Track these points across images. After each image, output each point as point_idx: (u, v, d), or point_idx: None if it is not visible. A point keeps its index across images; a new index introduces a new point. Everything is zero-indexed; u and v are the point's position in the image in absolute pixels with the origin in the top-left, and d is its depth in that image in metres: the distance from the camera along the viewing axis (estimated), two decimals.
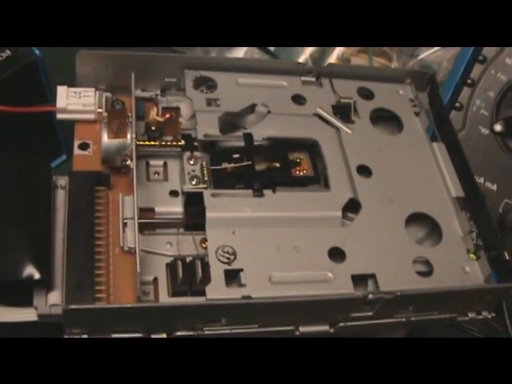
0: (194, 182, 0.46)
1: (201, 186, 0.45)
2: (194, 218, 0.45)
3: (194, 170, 0.46)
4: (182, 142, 0.48)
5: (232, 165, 0.47)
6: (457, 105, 0.62)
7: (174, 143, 0.47)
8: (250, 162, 0.47)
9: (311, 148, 0.50)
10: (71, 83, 0.50)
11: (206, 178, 0.46)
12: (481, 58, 0.62)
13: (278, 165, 0.48)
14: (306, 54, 0.71)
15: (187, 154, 0.47)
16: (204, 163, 0.47)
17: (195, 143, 0.47)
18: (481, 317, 0.48)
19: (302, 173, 0.48)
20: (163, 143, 0.47)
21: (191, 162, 0.47)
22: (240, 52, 0.71)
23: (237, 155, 0.47)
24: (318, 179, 0.49)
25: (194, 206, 0.45)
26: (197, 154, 0.47)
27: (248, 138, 0.49)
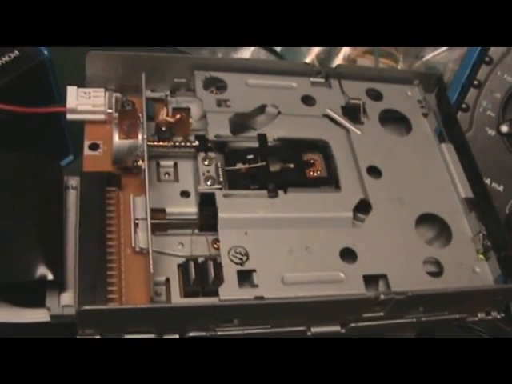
0: (209, 183, 0.46)
1: (216, 186, 0.46)
2: (209, 218, 0.45)
3: (208, 171, 0.46)
4: (196, 143, 0.48)
5: (246, 165, 0.47)
6: (463, 106, 0.62)
7: (188, 144, 0.47)
8: (264, 163, 0.47)
9: (323, 149, 0.50)
10: (79, 83, 0.50)
11: (221, 179, 0.46)
12: (487, 59, 0.62)
13: (292, 166, 0.48)
14: (312, 55, 0.71)
15: (202, 154, 0.47)
16: (219, 164, 0.47)
17: (209, 144, 0.47)
18: (490, 317, 0.48)
19: (315, 173, 0.49)
20: (177, 144, 0.47)
21: (206, 163, 0.47)
22: (246, 53, 0.71)
23: (251, 156, 0.47)
24: (332, 180, 0.49)
25: (209, 206, 0.45)
26: (211, 154, 0.47)
27: (262, 138, 0.49)
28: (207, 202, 0.45)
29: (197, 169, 0.47)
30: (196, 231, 0.45)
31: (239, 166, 0.47)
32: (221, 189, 0.45)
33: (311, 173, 0.49)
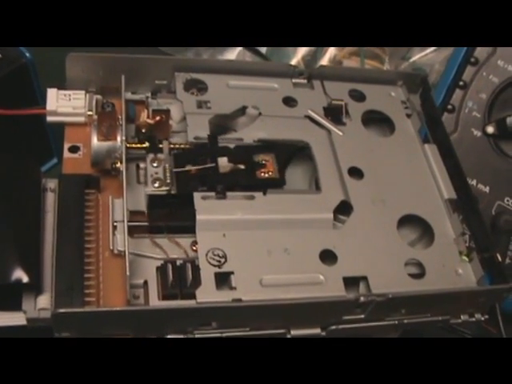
0: (156, 185, 0.45)
1: (163, 188, 0.45)
2: (157, 220, 0.45)
3: (156, 173, 0.46)
4: (146, 144, 0.47)
5: (196, 167, 0.46)
6: (449, 107, 0.62)
7: (139, 145, 0.47)
8: (213, 164, 0.47)
9: (278, 149, 0.49)
10: (62, 86, 0.49)
11: (168, 181, 0.45)
12: (473, 60, 0.62)
13: (242, 167, 0.47)
14: (297, 56, 0.71)
15: (151, 156, 0.46)
16: (167, 165, 0.46)
17: (160, 145, 0.47)
18: (474, 319, 0.47)
19: (266, 175, 0.48)
20: (127, 145, 0.46)
21: (154, 165, 0.46)
22: (231, 55, 0.71)
23: (200, 157, 0.47)
24: (282, 181, 0.48)
25: (158, 208, 0.45)
26: (160, 156, 0.46)
27: (212, 139, 0.48)
28: (155, 205, 0.45)
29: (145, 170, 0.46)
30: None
31: (189, 167, 0.46)
32: (169, 191, 0.45)
33: (262, 174, 0.48)
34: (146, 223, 0.45)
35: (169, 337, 0.41)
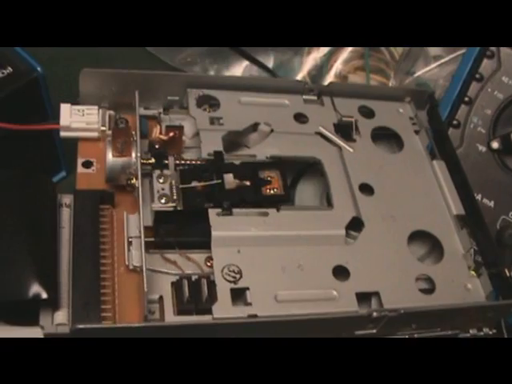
0: (163, 201, 0.45)
1: (170, 204, 0.45)
2: (164, 236, 0.45)
3: (163, 189, 0.46)
4: (152, 160, 0.47)
5: (202, 183, 0.47)
6: (454, 122, 0.62)
7: (144, 161, 0.47)
8: (219, 181, 0.47)
9: (284, 166, 0.50)
10: (72, 101, 0.50)
11: (174, 197, 0.46)
12: (477, 76, 0.62)
13: (248, 183, 0.48)
14: (303, 71, 0.71)
15: (157, 172, 0.47)
16: (173, 182, 0.46)
17: (166, 161, 0.47)
18: (482, 333, 0.48)
19: (272, 191, 0.48)
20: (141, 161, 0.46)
21: (161, 181, 0.46)
22: (238, 70, 0.72)
23: (207, 174, 0.47)
24: (288, 198, 0.49)
25: (164, 224, 0.45)
26: (166, 172, 0.47)
27: (218, 156, 0.49)
28: (162, 220, 0.45)
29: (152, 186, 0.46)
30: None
31: (195, 183, 0.47)
32: (175, 207, 0.45)
33: (267, 190, 0.48)
34: (157, 239, 0.45)
35: None
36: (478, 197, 0.61)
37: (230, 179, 0.47)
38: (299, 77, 0.70)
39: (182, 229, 0.46)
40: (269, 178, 0.49)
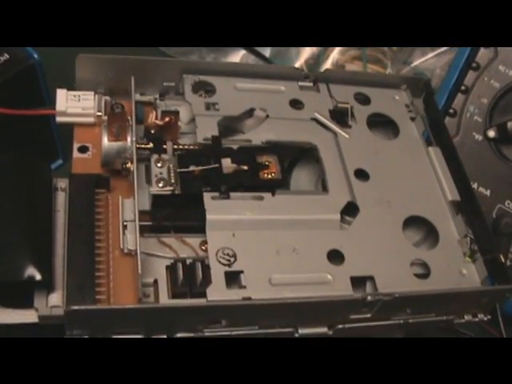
0: (160, 185, 0.45)
1: (168, 188, 0.45)
2: (161, 220, 0.45)
3: (161, 173, 0.46)
4: (151, 145, 0.47)
5: (199, 168, 0.47)
6: (451, 111, 0.62)
7: (143, 146, 0.47)
8: (217, 165, 0.47)
9: (282, 151, 0.50)
10: (69, 87, 0.50)
11: (172, 181, 0.46)
12: (474, 64, 0.63)
13: (245, 168, 0.48)
14: (300, 60, 0.71)
15: (155, 156, 0.47)
16: (171, 166, 0.46)
17: (164, 146, 0.47)
18: (477, 319, 0.48)
19: (269, 176, 0.48)
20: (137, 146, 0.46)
21: (159, 165, 0.46)
22: (235, 58, 0.72)
23: (204, 158, 0.47)
24: (286, 182, 0.49)
25: (162, 208, 0.45)
26: (164, 156, 0.47)
27: (215, 140, 0.49)
28: (159, 204, 0.45)
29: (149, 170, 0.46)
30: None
31: (192, 167, 0.47)
32: (173, 191, 0.45)
33: (265, 175, 0.48)
34: (154, 223, 0.45)
35: (178, 335, 0.41)
36: (475, 185, 0.61)
37: (227, 163, 0.47)
38: (296, 65, 0.70)
39: (178, 213, 0.46)
40: (266, 163, 0.49)
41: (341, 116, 0.53)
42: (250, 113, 0.51)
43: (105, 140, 0.46)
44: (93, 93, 0.50)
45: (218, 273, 0.42)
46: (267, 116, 0.51)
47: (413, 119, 0.55)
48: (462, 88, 0.63)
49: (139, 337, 0.40)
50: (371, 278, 0.45)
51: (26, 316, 0.40)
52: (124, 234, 0.44)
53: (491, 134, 0.62)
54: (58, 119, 0.49)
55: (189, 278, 0.43)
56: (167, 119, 0.48)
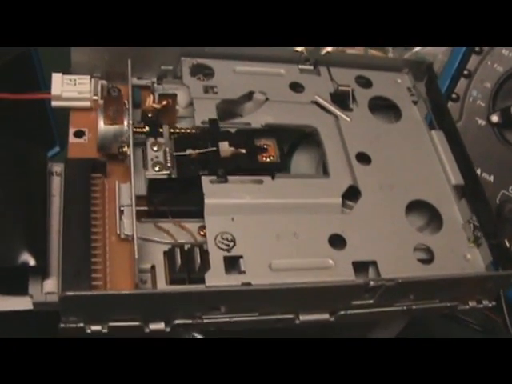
0: (156, 169, 0.44)
1: (164, 172, 0.44)
2: (158, 205, 0.44)
3: (157, 157, 0.45)
4: (146, 129, 0.46)
5: (196, 151, 0.46)
6: (453, 96, 0.61)
7: (138, 129, 0.46)
8: (214, 148, 0.46)
9: (280, 134, 0.49)
10: (65, 71, 0.49)
11: (168, 164, 0.45)
12: (477, 48, 0.62)
13: (243, 151, 0.47)
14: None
15: (151, 140, 0.46)
16: (167, 149, 0.45)
17: (160, 129, 0.46)
18: (481, 305, 0.47)
19: (268, 159, 0.47)
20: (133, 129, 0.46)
21: (155, 149, 0.45)
22: None
23: (201, 141, 0.46)
24: (285, 166, 0.48)
25: (158, 192, 0.44)
26: (161, 140, 0.46)
27: (213, 123, 0.48)
28: (155, 189, 0.44)
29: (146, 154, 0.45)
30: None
31: (189, 151, 0.46)
32: (169, 175, 0.44)
33: (263, 158, 0.47)
34: (151, 208, 0.44)
35: (177, 322, 0.40)
36: (478, 171, 0.60)
37: (225, 147, 0.46)
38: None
39: (175, 197, 0.45)
40: (265, 146, 0.48)
41: (342, 99, 0.52)
42: (249, 96, 0.50)
43: (101, 123, 0.45)
44: (89, 77, 0.49)
45: (216, 258, 0.41)
46: (267, 99, 0.50)
47: (415, 103, 0.54)
48: (465, 72, 0.62)
49: (136, 324, 0.40)
50: (374, 263, 0.44)
51: (21, 303, 0.39)
52: (121, 219, 0.43)
53: (494, 118, 0.61)
54: (54, 103, 0.48)
55: (187, 263, 0.42)
56: (165, 102, 0.47)
